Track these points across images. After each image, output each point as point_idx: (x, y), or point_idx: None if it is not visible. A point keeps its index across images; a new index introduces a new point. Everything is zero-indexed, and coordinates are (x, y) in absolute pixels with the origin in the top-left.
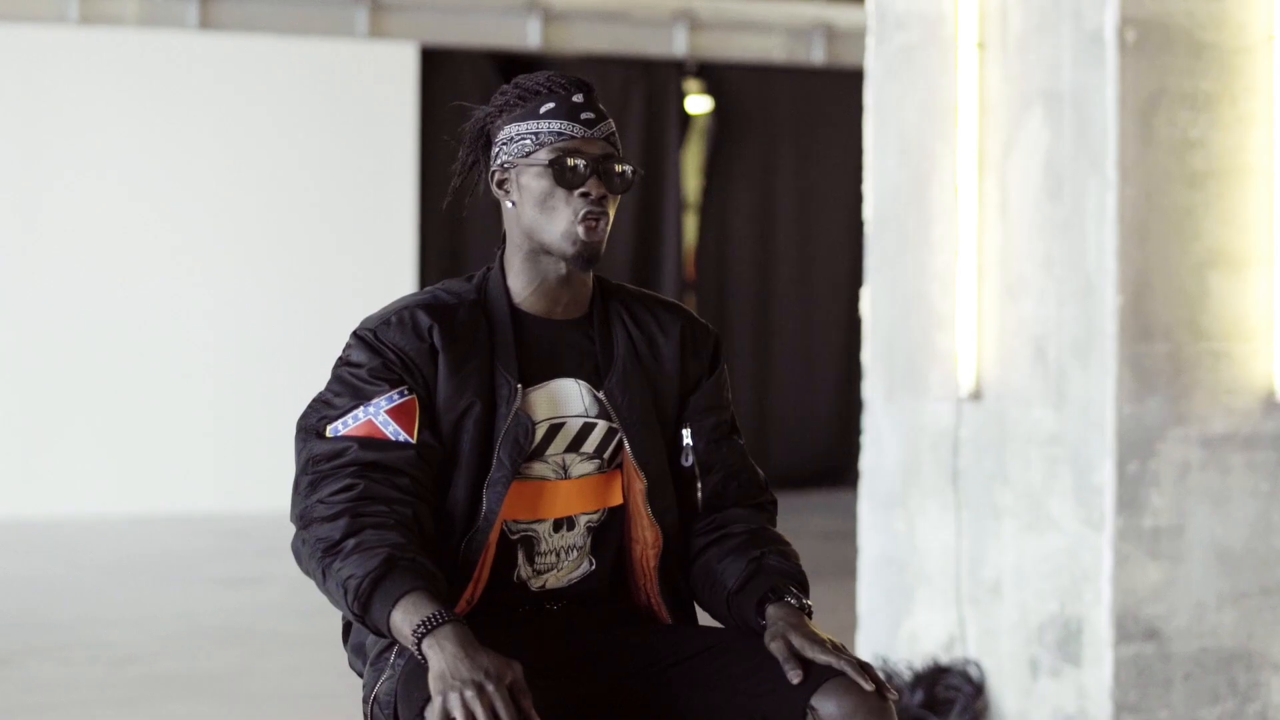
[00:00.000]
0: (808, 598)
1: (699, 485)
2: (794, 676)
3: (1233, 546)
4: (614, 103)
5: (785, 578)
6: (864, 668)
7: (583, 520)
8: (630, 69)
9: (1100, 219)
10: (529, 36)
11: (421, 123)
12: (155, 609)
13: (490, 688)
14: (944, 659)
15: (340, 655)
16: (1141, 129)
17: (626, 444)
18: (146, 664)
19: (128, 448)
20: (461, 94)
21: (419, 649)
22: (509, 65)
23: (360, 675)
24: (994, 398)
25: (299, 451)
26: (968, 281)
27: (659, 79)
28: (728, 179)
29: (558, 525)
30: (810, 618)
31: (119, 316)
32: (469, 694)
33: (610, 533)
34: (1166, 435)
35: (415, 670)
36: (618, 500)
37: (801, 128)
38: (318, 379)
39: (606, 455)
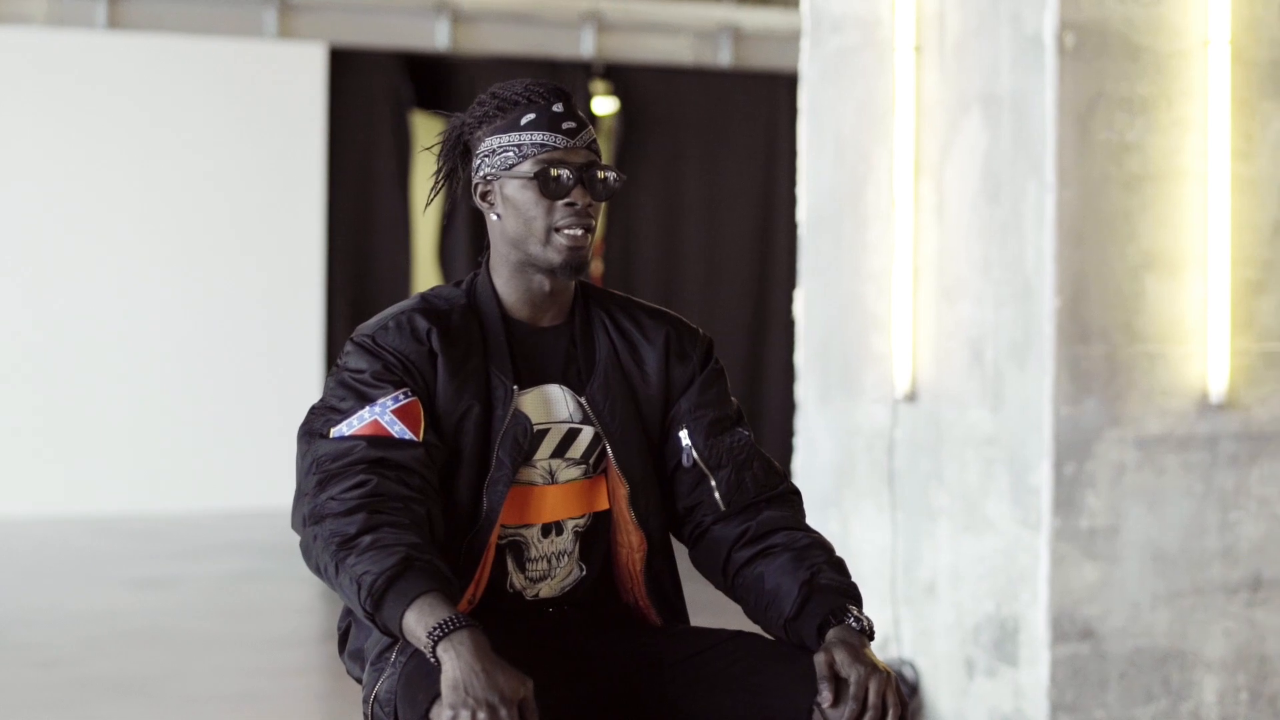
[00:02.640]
0: (862, 610)
1: (712, 483)
2: (824, 697)
3: (1167, 547)
4: None
5: (842, 596)
6: (896, 703)
7: (570, 525)
8: (538, 70)
9: (1039, 222)
10: (437, 37)
11: (330, 123)
12: (77, 611)
13: (503, 712)
14: (879, 659)
15: (270, 656)
16: (1079, 132)
17: (609, 449)
18: (74, 666)
19: (37, 449)
20: (370, 95)
21: (434, 652)
22: (418, 66)
23: (357, 680)
24: (930, 399)
25: (302, 455)
26: (904, 283)
27: (566, 80)
28: (634, 180)
29: (546, 530)
30: (871, 637)
31: (26, 317)
32: (481, 715)
33: (597, 538)
34: (1103, 436)
35: (417, 670)
36: (603, 505)
37: (708, 129)
38: (228, 378)
39: (592, 460)
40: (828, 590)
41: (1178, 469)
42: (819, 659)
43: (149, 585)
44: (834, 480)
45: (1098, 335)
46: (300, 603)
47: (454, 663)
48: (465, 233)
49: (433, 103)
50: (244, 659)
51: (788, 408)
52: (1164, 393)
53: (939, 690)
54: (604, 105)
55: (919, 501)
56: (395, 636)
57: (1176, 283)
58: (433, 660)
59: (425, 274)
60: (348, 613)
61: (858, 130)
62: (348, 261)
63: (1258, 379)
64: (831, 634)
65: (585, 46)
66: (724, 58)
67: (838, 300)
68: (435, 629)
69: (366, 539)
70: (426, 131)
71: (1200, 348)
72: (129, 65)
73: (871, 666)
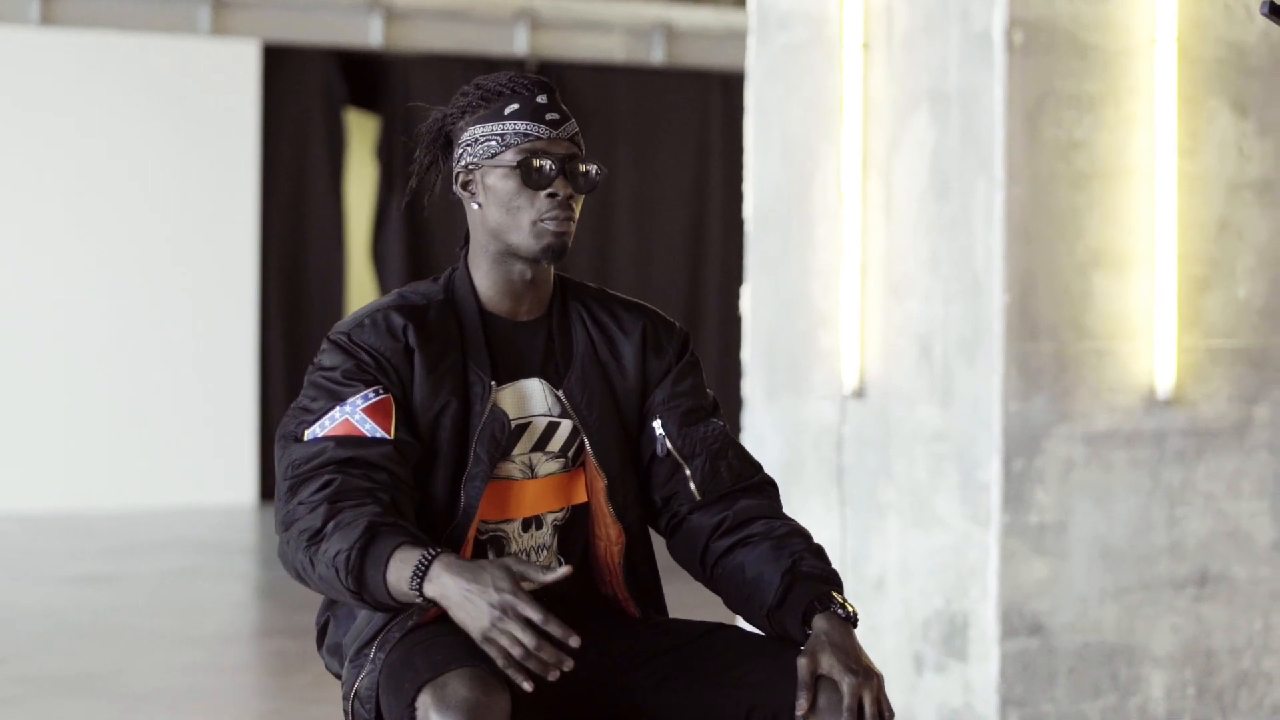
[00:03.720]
0: (844, 596)
1: (686, 472)
2: (799, 706)
3: (1115, 542)
4: None
5: (824, 583)
6: (889, 709)
7: (549, 519)
8: (471, 67)
9: (988, 219)
10: (371, 35)
11: (264, 120)
12: (21, 608)
13: (520, 605)
14: (867, 656)
15: (214, 653)
16: (1028, 130)
17: (587, 442)
18: (23, 663)
19: None
20: (304, 92)
21: (423, 597)
22: (351, 63)
23: (335, 675)
24: (878, 395)
25: (279, 460)
26: (852, 280)
27: None
28: None
29: (526, 525)
30: (856, 624)
31: None
32: (509, 623)
33: (576, 531)
34: (1051, 433)
35: (399, 664)
36: (582, 498)
37: (641, 127)
38: (161, 374)
39: (570, 454)
40: (810, 578)
41: (1125, 465)
42: (802, 663)
43: (88, 582)
44: (782, 476)
45: (1046, 332)
46: (239, 599)
47: (444, 593)
48: (399, 231)
49: (367, 100)
50: (192, 655)
51: (724, 405)
52: (1112, 389)
53: (888, 686)
54: None
55: (867, 498)
56: (389, 607)
57: (1124, 280)
58: (426, 602)
59: (359, 272)
60: (326, 608)
61: (805, 127)
62: (281, 258)
63: (1204, 375)
64: (817, 626)
65: (519, 44)
66: (657, 56)
67: (785, 297)
68: (413, 576)
69: (330, 525)
70: (360, 129)
71: (1148, 344)
72: (62, 62)
73: (864, 673)
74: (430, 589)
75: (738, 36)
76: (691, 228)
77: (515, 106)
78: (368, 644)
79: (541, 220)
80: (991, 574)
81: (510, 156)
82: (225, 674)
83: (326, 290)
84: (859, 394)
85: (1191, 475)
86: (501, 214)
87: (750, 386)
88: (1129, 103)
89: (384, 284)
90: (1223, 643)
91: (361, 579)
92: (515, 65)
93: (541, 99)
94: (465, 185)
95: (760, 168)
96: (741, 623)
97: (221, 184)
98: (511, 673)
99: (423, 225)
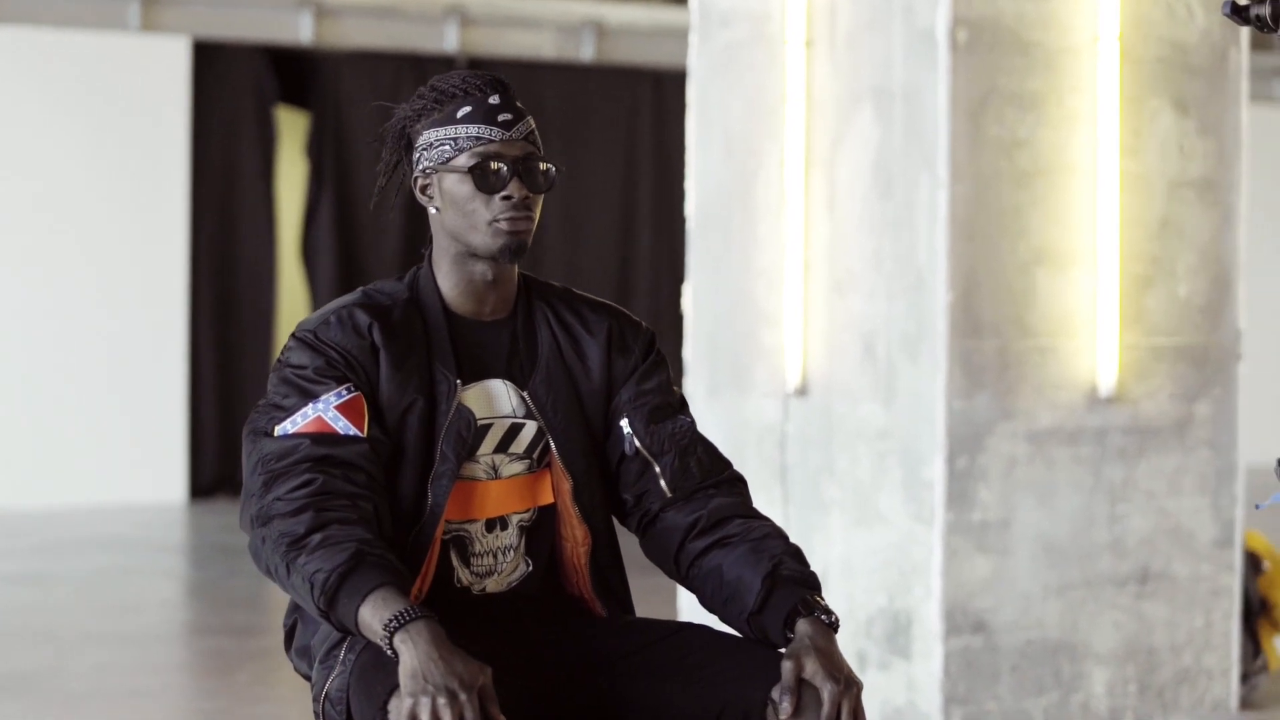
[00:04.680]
0: (823, 598)
1: (656, 469)
2: (783, 709)
3: (1057, 539)
4: (386, 98)
5: (805, 587)
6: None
7: (515, 520)
8: (401, 64)
9: (932, 216)
10: (301, 31)
11: (194, 116)
12: None
13: (462, 697)
14: (847, 664)
15: (151, 653)
16: (971, 127)
17: (552, 443)
18: None
19: None
20: (234, 89)
21: (390, 644)
22: (282, 60)
23: (303, 676)
24: (821, 393)
25: (248, 455)
26: (795, 278)
27: (429, 74)
28: None
29: (490, 525)
30: (837, 630)
31: None
32: (441, 700)
33: (542, 532)
34: (994, 430)
35: (370, 665)
36: (548, 499)
37: (571, 124)
38: (90, 373)
39: (535, 455)
40: (790, 582)
41: (1068, 462)
42: (787, 666)
43: (19, 581)
44: None
45: (989, 329)
46: (171, 597)
47: (411, 652)
48: (329, 228)
49: (297, 97)
50: (126, 655)
51: None
52: (1054, 386)
53: None
54: None
55: (810, 495)
56: (350, 633)
57: (1066, 278)
58: (390, 652)
59: (289, 269)
60: (294, 609)
61: (747, 125)
62: (211, 256)
63: (1146, 373)
64: (800, 630)
65: (449, 41)
66: (587, 52)
67: (727, 295)
68: (391, 620)
69: (316, 537)
70: (291, 126)
71: (1090, 342)
72: None
73: (845, 681)
74: (399, 638)
75: (667, 33)
76: (620, 225)
77: (468, 109)
78: (337, 645)
79: (497, 220)
80: (935, 572)
81: (463, 160)
82: (163, 673)
83: (256, 287)
84: (802, 392)
85: (1133, 473)
86: (458, 217)
87: (692, 384)
88: (1072, 101)
89: (314, 281)
90: (1164, 639)
91: (334, 603)
92: (445, 62)
93: (494, 99)
94: (423, 190)
95: (702, 165)
96: (716, 622)
97: (152, 181)
98: None
99: (353, 222)
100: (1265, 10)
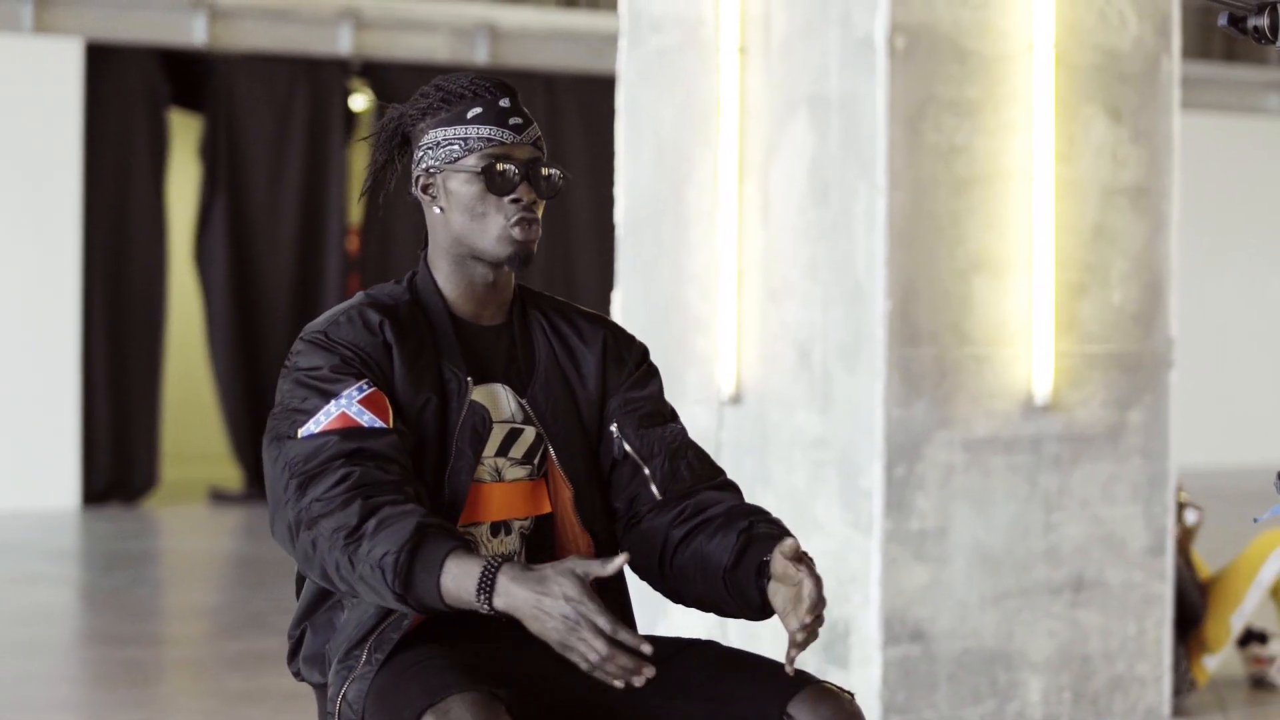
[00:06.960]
0: None
1: (646, 472)
2: (808, 589)
3: (994, 548)
4: (279, 101)
5: (780, 540)
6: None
7: (516, 527)
8: (295, 67)
9: (869, 224)
10: (195, 33)
11: (86, 119)
12: None
13: (590, 614)
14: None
15: (60, 661)
16: (909, 135)
17: (551, 450)
18: None
19: None
20: (127, 91)
21: (492, 610)
22: (175, 62)
23: (313, 685)
24: (755, 401)
25: (273, 461)
26: (728, 285)
27: (324, 77)
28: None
29: (495, 529)
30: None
31: None
32: (583, 631)
33: (543, 542)
34: (932, 438)
35: (389, 689)
36: (546, 509)
37: None
38: None
39: (535, 461)
40: (765, 538)
41: (1004, 470)
42: (778, 557)
43: None
44: None
45: (927, 337)
46: (71, 606)
47: (515, 605)
48: (222, 232)
49: (190, 100)
50: (49, 664)
51: None
52: (991, 395)
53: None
54: (360, 103)
55: None
56: (432, 611)
57: (1002, 285)
58: (495, 614)
59: (181, 272)
60: (301, 619)
61: (679, 131)
62: (104, 258)
63: (1080, 381)
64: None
65: (343, 44)
66: (481, 55)
67: (658, 301)
68: (480, 589)
69: (371, 523)
70: (183, 129)
71: (1025, 350)
72: None
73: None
74: (500, 602)
75: (560, 37)
76: None
77: (478, 110)
78: (357, 645)
79: (509, 228)
80: (873, 581)
81: (473, 161)
82: (83, 684)
83: (149, 291)
84: (736, 400)
85: (1068, 480)
86: (465, 219)
87: None
88: (1008, 108)
89: (207, 286)
90: (1098, 647)
91: (410, 582)
92: (339, 65)
93: (504, 102)
94: (425, 189)
95: (632, 171)
96: (721, 637)
97: (44, 183)
98: (598, 675)
99: (247, 227)
100: (1263, 22)
